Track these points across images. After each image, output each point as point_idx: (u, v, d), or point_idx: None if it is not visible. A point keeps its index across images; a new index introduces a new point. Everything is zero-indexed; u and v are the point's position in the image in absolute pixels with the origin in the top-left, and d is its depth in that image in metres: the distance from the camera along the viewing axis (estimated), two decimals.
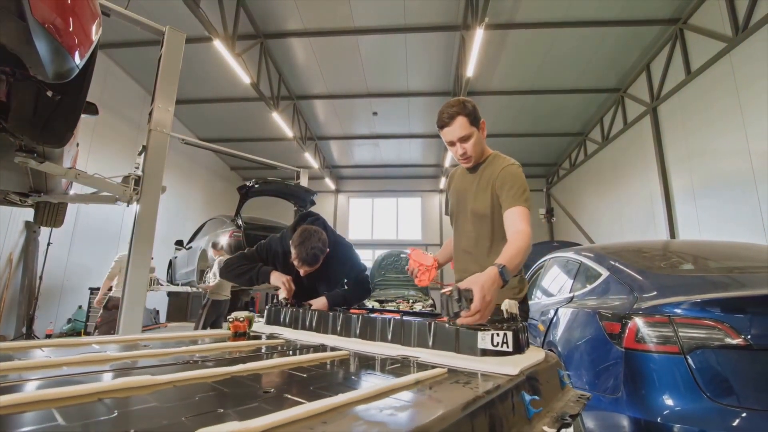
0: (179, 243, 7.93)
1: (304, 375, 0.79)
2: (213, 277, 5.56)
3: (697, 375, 1.46)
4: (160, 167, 3.46)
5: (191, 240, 7.67)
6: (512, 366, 0.87)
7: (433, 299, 8.21)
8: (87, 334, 6.78)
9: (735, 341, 1.45)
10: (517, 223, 1.40)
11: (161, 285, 7.35)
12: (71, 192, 4.01)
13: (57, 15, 1.47)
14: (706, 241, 2.86)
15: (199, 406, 0.57)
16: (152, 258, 3.46)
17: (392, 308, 7.08)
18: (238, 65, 6.61)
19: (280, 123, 8.83)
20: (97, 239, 7.88)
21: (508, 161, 1.59)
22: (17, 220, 6.38)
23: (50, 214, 4.15)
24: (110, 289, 5.09)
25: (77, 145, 3.48)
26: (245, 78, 6.99)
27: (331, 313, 1.40)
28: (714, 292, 1.65)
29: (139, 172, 3.49)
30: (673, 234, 7.05)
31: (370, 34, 7.39)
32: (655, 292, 1.78)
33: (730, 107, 5.69)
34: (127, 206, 3.56)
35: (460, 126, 1.52)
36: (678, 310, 1.57)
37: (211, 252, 5.92)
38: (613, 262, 2.23)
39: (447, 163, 11.36)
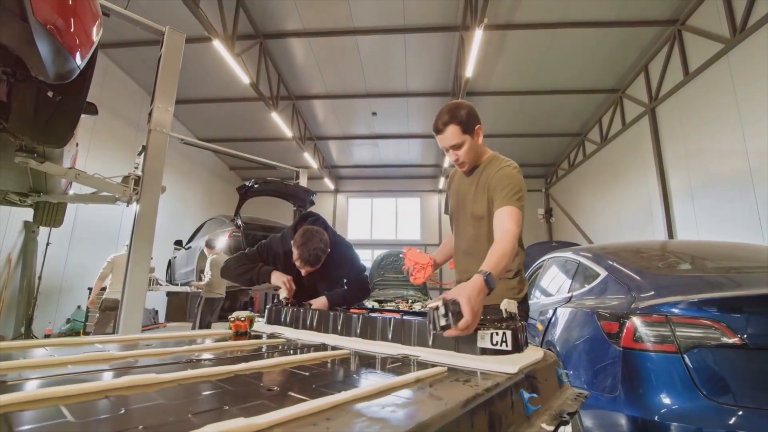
0: (178, 243, 7.93)
1: (306, 373, 0.80)
2: (204, 276, 5.57)
3: (693, 374, 1.48)
4: (160, 167, 3.47)
5: (190, 240, 7.67)
6: (511, 364, 0.88)
7: (432, 299, 8.23)
8: (86, 334, 6.78)
9: (731, 340, 1.46)
10: (504, 223, 1.40)
11: (160, 285, 7.35)
12: (71, 192, 4.02)
13: (58, 16, 1.48)
14: (703, 241, 2.88)
15: (205, 404, 0.58)
16: (152, 258, 3.47)
17: (391, 308, 7.09)
18: (237, 65, 6.61)
19: (280, 123, 8.83)
20: (96, 239, 7.87)
21: (504, 163, 1.59)
22: (16, 220, 6.37)
23: (50, 214, 4.15)
24: (103, 289, 5.08)
25: (77, 145, 3.48)
26: (244, 78, 6.99)
27: (331, 313, 1.41)
28: (711, 292, 1.66)
29: (139, 172, 3.49)
30: (671, 234, 7.08)
31: (369, 34, 7.40)
32: (652, 292, 1.79)
33: (728, 108, 5.72)
34: (127, 206, 3.57)
35: (451, 135, 1.53)
36: (675, 310, 1.59)
37: (204, 250, 5.94)
38: (611, 262, 2.25)
39: (446, 164, 11.39)
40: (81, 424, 0.46)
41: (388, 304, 7.49)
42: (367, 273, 2.30)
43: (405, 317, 1.32)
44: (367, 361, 0.98)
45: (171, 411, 0.53)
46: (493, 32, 6.88)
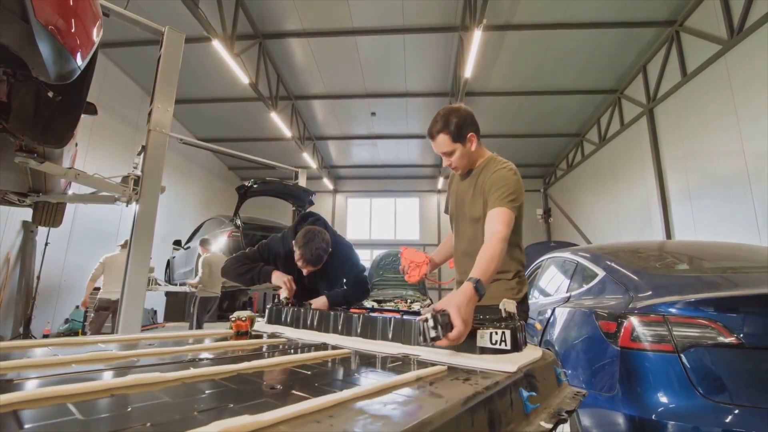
0: (177, 243, 7.93)
1: (308, 372, 0.81)
2: (195, 275, 5.57)
3: (690, 373, 1.49)
4: (160, 167, 3.47)
5: (189, 240, 7.67)
6: (510, 363, 0.89)
7: (431, 299, 8.24)
8: (84, 334, 6.76)
9: (727, 340, 1.48)
10: (493, 225, 1.41)
11: (159, 285, 7.35)
12: (70, 192, 4.01)
13: (60, 17, 1.48)
14: (700, 242, 2.90)
15: (209, 402, 0.59)
16: (150, 258, 3.47)
17: (390, 308, 7.09)
18: (236, 65, 6.61)
19: (279, 123, 8.84)
20: (94, 239, 7.86)
21: (500, 165, 1.59)
22: (15, 220, 6.36)
23: (49, 213, 4.15)
24: (97, 290, 5.09)
25: (76, 145, 3.48)
26: (244, 78, 6.99)
27: (332, 313, 1.42)
28: (708, 292, 1.67)
29: (138, 172, 3.49)
30: (669, 234, 7.11)
31: (368, 34, 7.41)
32: (650, 292, 1.81)
33: (726, 109, 5.75)
34: (127, 206, 3.57)
35: (441, 143, 1.57)
36: (672, 310, 1.60)
37: (198, 249, 5.94)
38: (609, 263, 2.26)
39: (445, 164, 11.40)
40: (89, 421, 0.47)
41: (387, 304, 7.49)
42: (366, 273, 2.31)
43: (405, 317, 1.33)
44: (368, 361, 0.99)
45: (177, 409, 0.53)
46: (492, 33, 6.90)
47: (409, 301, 7.73)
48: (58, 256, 7.16)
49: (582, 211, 11.22)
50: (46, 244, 6.72)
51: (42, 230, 6.48)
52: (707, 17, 6.01)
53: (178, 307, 9.06)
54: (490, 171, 1.59)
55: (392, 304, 7.54)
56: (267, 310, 1.74)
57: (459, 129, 1.54)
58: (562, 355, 2.17)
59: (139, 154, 3.81)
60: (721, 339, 1.49)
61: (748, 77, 5.32)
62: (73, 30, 1.56)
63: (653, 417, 1.51)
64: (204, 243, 5.88)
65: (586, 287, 2.34)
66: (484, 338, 1.02)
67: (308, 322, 1.49)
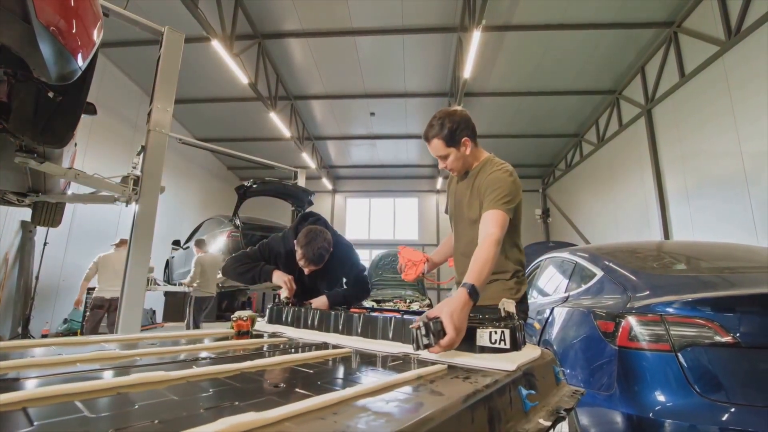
0: (176, 243, 7.92)
1: (310, 371, 0.82)
2: (189, 274, 5.57)
3: (687, 372, 1.51)
4: (159, 167, 3.47)
5: (188, 240, 7.66)
6: (510, 362, 0.90)
7: (430, 299, 8.25)
8: (83, 334, 6.75)
9: (724, 339, 1.49)
10: (487, 227, 1.41)
11: (158, 285, 7.34)
12: (69, 192, 4.01)
13: (61, 18, 1.48)
14: (698, 242, 2.92)
15: (214, 400, 0.60)
16: (150, 258, 3.47)
17: (390, 308, 7.10)
18: (236, 65, 6.61)
19: (278, 123, 8.84)
20: (93, 239, 7.83)
21: (496, 166, 1.60)
22: (13, 220, 6.35)
23: (48, 213, 4.15)
24: (92, 289, 5.09)
25: (75, 145, 3.49)
26: (243, 78, 6.99)
27: (332, 312, 1.43)
28: (705, 292, 1.69)
29: (138, 172, 3.49)
30: (667, 234, 7.13)
31: (367, 35, 7.41)
32: (647, 292, 1.82)
33: (723, 109, 5.78)
34: (126, 206, 3.57)
35: (436, 147, 1.59)
36: (670, 309, 1.62)
37: (194, 249, 5.93)
38: (607, 263, 2.28)
39: (440, 166, 11.42)
40: (97, 418, 0.48)
41: (387, 303, 7.50)
42: (366, 273, 2.32)
43: (405, 317, 1.34)
44: (369, 360, 1.00)
45: (182, 406, 0.54)
46: (491, 33, 6.92)
47: (408, 300, 7.74)
48: (56, 256, 7.14)
49: (580, 212, 11.25)
50: (45, 244, 6.71)
51: (41, 230, 6.47)
52: (705, 18, 6.04)
53: (177, 307, 9.04)
54: (486, 173, 1.60)
55: (391, 303, 7.54)
56: (267, 310, 1.75)
57: (453, 134, 1.55)
58: (560, 354, 2.18)
59: (138, 154, 3.81)
60: (718, 338, 1.50)
61: (746, 78, 5.35)
62: (74, 31, 1.57)
63: (651, 415, 1.52)
64: (199, 243, 5.87)
65: (584, 287, 2.35)
66: (483, 337, 1.03)
67: (309, 322, 1.50)
